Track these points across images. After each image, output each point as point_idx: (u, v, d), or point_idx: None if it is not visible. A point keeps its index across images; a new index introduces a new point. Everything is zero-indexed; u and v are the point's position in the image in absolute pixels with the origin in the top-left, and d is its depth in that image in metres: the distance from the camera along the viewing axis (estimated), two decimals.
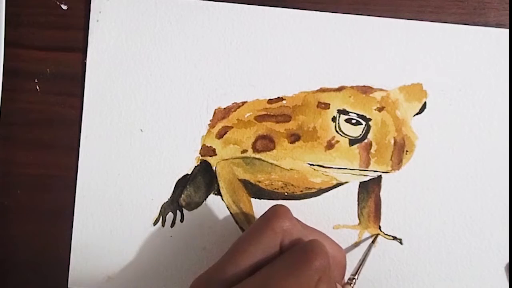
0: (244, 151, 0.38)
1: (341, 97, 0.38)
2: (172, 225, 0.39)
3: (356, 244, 0.38)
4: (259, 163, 0.38)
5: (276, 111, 0.38)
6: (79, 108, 0.39)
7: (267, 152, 0.38)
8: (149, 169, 0.39)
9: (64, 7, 0.39)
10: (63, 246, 0.39)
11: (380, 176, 0.38)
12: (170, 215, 0.39)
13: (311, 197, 0.38)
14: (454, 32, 0.37)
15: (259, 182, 0.38)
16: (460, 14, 0.37)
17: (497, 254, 0.37)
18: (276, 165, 0.38)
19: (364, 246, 0.38)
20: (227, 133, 0.38)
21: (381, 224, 0.38)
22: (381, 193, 0.38)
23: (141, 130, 0.39)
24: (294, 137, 0.38)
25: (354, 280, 0.35)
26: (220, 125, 0.38)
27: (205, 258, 0.39)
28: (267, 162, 0.38)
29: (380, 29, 0.37)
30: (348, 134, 0.38)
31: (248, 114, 0.38)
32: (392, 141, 0.37)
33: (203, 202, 0.39)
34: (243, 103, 0.38)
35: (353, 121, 0.37)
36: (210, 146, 0.38)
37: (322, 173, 0.38)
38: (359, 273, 0.36)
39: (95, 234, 0.39)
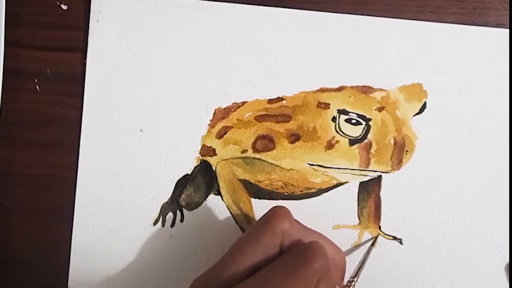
0: (244, 151, 0.38)
1: (341, 97, 0.38)
2: (172, 225, 0.39)
3: (356, 246, 0.38)
4: (259, 163, 0.38)
5: (276, 111, 0.38)
6: (79, 108, 0.39)
7: (267, 152, 0.38)
8: (149, 169, 0.39)
9: (64, 7, 0.39)
10: (63, 246, 0.39)
11: (380, 176, 0.38)
12: (170, 215, 0.39)
13: (311, 197, 0.38)
14: (454, 32, 0.37)
15: (259, 182, 0.38)
16: (460, 14, 0.37)
17: (497, 254, 0.37)
18: (276, 165, 0.38)
19: (364, 248, 0.38)
20: (227, 133, 0.38)
21: (381, 224, 0.38)
22: (381, 193, 0.38)
23: (141, 130, 0.39)
24: (294, 137, 0.38)
25: (353, 282, 0.35)
26: (220, 125, 0.38)
27: (205, 258, 0.39)
28: (267, 162, 0.38)
29: (380, 29, 0.37)
30: (348, 134, 0.38)
31: (248, 114, 0.38)
32: (392, 141, 0.37)
33: (203, 202, 0.39)
34: (243, 103, 0.38)
35: (353, 121, 0.37)
36: (210, 146, 0.38)
37: (322, 173, 0.38)
38: (359, 275, 0.36)
39: (95, 234, 0.39)
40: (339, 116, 0.38)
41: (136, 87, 0.39)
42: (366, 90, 0.38)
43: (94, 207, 0.39)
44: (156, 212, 0.39)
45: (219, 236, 0.39)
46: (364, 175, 0.38)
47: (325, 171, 0.38)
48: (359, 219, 0.38)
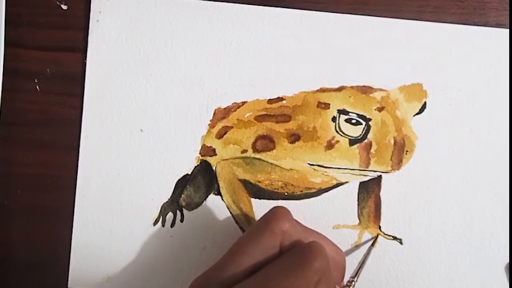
0: (244, 151, 0.38)
1: (341, 97, 0.38)
2: (172, 225, 0.39)
3: (356, 246, 0.38)
4: (259, 163, 0.38)
5: (276, 111, 0.38)
6: (79, 108, 0.39)
7: (267, 152, 0.38)
8: (149, 169, 0.39)
9: (64, 7, 0.39)
10: (63, 246, 0.39)
11: (380, 176, 0.38)
12: (170, 215, 0.39)
13: (311, 197, 0.38)
14: (454, 32, 0.37)
15: (259, 182, 0.38)
16: (460, 14, 0.37)
17: (497, 254, 0.37)
18: (276, 165, 0.38)
19: (364, 248, 0.38)
20: (227, 133, 0.38)
21: (381, 224, 0.38)
22: (381, 193, 0.38)
23: (141, 130, 0.39)
24: (294, 137, 0.38)
25: (353, 282, 0.35)
26: (220, 125, 0.38)
27: (205, 258, 0.39)
28: (267, 162, 0.38)
29: (380, 29, 0.37)
30: (348, 134, 0.38)
31: (248, 114, 0.38)
32: (392, 141, 0.37)
33: (203, 202, 0.39)
34: (243, 103, 0.38)
35: (353, 121, 0.37)
36: (210, 146, 0.38)
37: (322, 173, 0.38)
38: (359, 275, 0.36)
39: (95, 234, 0.39)
40: (339, 116, 0.38)
41: (136, 87, 0.39)
42: (366, 90, 0.38)
43: (94, 207, 0.39)
44: (156, 212, 0.39)
45: (219, 236, 0.39)
46: (364, 175, 0.38)
47: (325, 171, 0.38)
48: (359, 219, 0.38)
